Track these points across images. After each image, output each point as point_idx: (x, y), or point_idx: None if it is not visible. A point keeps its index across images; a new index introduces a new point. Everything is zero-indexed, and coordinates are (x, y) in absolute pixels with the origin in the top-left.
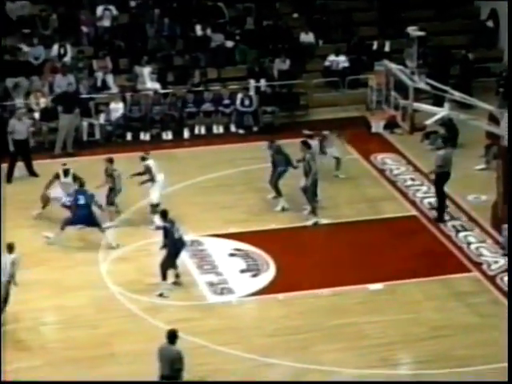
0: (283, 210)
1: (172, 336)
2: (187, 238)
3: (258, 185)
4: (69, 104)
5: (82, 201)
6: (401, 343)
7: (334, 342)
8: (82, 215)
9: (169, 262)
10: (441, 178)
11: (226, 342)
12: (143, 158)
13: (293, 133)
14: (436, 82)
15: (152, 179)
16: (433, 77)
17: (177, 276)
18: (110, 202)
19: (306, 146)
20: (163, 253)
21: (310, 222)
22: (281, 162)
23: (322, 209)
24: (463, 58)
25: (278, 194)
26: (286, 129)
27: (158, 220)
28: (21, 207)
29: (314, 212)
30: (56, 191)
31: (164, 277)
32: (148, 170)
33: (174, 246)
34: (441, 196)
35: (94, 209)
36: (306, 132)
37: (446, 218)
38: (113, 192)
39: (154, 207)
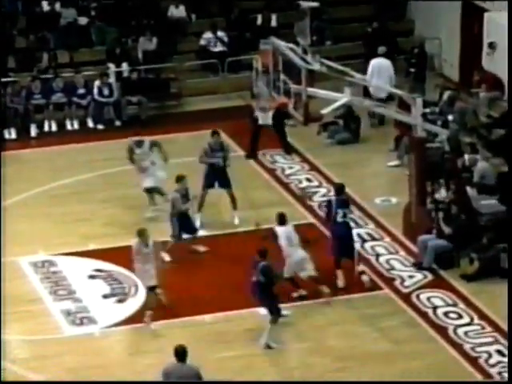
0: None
1: (182, 353)
2: (38, 257)
3: (122, 191)
4: None
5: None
6: (299, 378)
7: (219, 378)
8: None
9: None
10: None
11: None
12: None
13: (163, 127)
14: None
15: None
16: None
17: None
18: None
19: None
20: None
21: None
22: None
23: (203, 218)
24: (378, 31)
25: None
26: (155, 122)
27: None
28: None
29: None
30: None
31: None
32: None
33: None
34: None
35: None
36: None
37: (352, 225)
38: None
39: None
